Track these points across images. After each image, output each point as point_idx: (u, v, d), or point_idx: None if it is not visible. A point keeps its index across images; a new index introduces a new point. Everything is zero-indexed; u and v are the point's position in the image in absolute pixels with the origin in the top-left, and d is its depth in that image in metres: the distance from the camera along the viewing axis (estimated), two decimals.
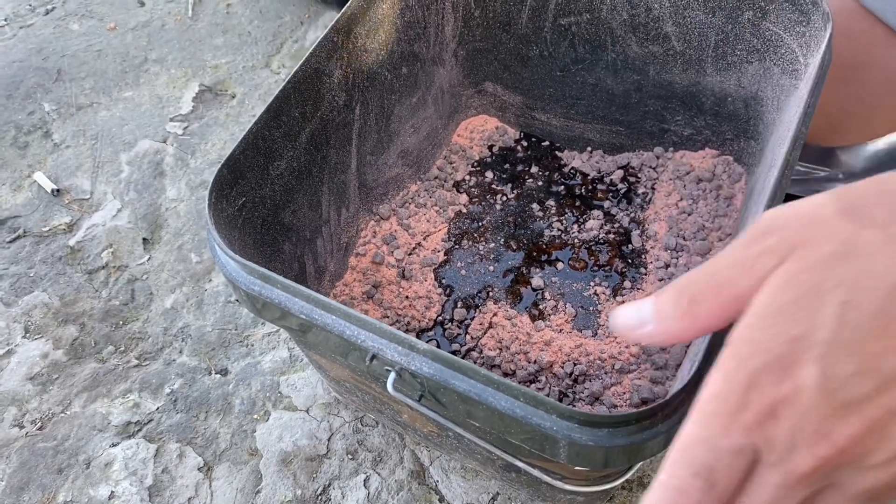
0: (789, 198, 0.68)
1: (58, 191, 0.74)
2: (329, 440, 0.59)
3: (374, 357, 0.35)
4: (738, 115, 0.57)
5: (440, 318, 0.57)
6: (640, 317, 0.28)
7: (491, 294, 0.58)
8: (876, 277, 0.25)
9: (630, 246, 0.60)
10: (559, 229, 0.61)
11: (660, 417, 0.31)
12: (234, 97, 0.81)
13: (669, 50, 0.57)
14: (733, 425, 0.25)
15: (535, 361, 0.53)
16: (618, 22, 0.57)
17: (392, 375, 0.35)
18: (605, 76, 0.61)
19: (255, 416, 0.60)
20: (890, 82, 0.58)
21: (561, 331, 0.55)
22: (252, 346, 0.64)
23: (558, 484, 0.43)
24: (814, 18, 0.47)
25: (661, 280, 0.57)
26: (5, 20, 0.88)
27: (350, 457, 0.58)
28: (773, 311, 0.25)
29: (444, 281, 0.59)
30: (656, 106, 0.61)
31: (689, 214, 0.59)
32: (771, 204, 0.39)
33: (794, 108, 0.45)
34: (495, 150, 0.67)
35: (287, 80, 0.45)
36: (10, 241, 0.71)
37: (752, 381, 0.25)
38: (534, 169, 0.65)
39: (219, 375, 0.63)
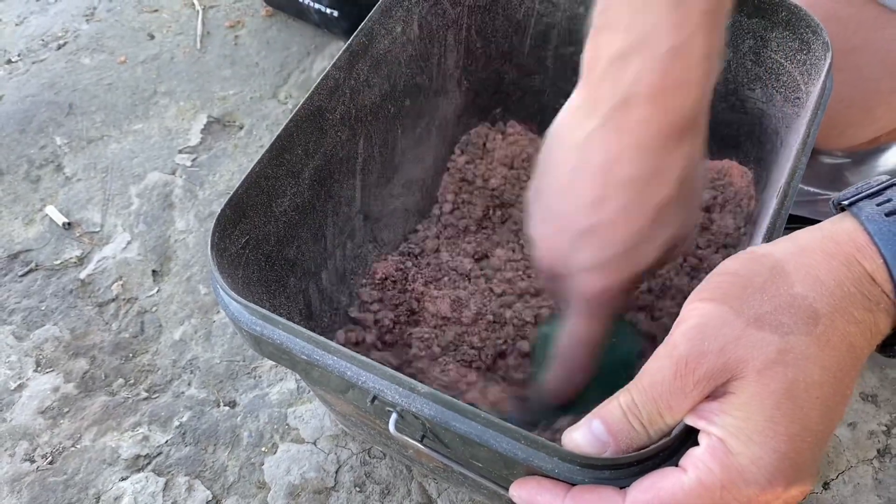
0: (795, 220, 0.67)
1: (69, 224, 0.75)
2: (337, 472, 0.59)
3: (375, 398, 0.36)
4: (742, 143, 0.57)
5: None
6: (599, 443, 0.32)
7: None
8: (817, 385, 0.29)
9: None
10: None
11: (660, 459, 0.31)
12: (241, 128, 0.82)
13: None
14: None
15: None
16: None
17: (394, 416, 0.36)
18: None
19: (263, 449, 0.61)
20: (885, 65, 0.57)
21: None
22: (260, 377, 0.64)
23: None
24: (814, 47, 0.47)
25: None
26: (18, 56, 0.89)
27: (358, 489, 0.58)
28: (759, 428, 0.29)
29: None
30: None
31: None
32: (770, 236, 0.38)
33: (795, 136, 0.45)
34: None
35: (289, 119, 0.45)
36: (23, 275, 0.71)
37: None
38: None
39: (227, 408, 0.63)
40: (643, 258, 0.39)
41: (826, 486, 0.58)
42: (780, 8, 0.48)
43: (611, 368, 0.45)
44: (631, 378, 0.37)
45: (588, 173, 0.38)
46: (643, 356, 0.48)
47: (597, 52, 0.37)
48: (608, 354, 0.45)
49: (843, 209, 0.33)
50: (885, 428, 0.61)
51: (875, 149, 0.70)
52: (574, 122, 0.39)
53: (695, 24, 0.35)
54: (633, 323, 0.52)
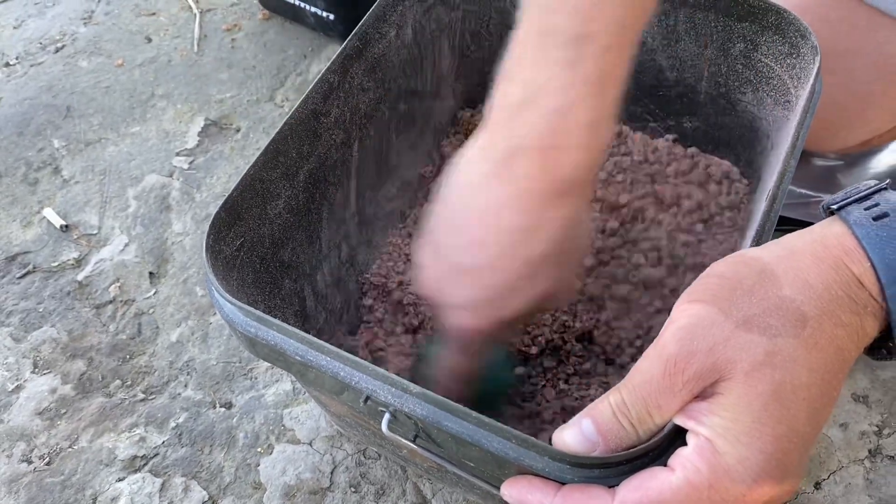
0: (788, 222, 0.68)
1: (66, 226, 0.75)
2: (332, 473, 0.59)
3: (367, 398, 0.36)
4: (733, 145, 0.58)
5: None
6: (588, 442, 0.32)
7: None
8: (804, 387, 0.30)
9: None
10: None
11: (649, 459, 0.31)
12: (238, 131, 0.83)
13: (664, 81, 0.58)
14: None
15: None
16: None
17: (386, 416, 0.36)
18: None
19: (259, 450, 0.61)
20: (877, 67, 0.57)
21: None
22: (256, 378, 0.65)
23: None
24: (803, 51, 0.48)
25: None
26: (16, 59, 0.90)
27: (353, 490, 0.58)
28: (745, 430, 0.29)
29: None
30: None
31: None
32: (759, 238, 0.39)
33: (785, 139, 0.45)
34: None
35: (283, 122, 0.46)
36: (21, 277, 0.72)
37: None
38: None
39: (223, 409, 0.63)
40: (509, 308, 0.40)
41: (818, 486, 0.59)
42: (769, 12, 0.49)
43: (487, 394, 0.48)
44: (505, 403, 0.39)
45: (475, 215, 0.39)
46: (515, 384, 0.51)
47: (500, 100, 0.38)
48: (484, 380, 0.47)
49: (832, 213, 0.33)
50: (876, 428, 0.61)
51: (867, 151, 0.70)
52: (473, 161, 0.40)
53: (581, 89, 0.36)
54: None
